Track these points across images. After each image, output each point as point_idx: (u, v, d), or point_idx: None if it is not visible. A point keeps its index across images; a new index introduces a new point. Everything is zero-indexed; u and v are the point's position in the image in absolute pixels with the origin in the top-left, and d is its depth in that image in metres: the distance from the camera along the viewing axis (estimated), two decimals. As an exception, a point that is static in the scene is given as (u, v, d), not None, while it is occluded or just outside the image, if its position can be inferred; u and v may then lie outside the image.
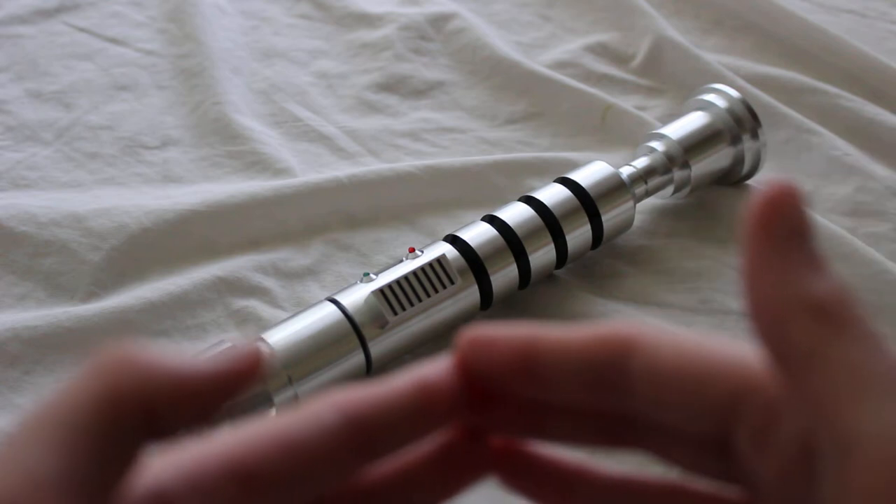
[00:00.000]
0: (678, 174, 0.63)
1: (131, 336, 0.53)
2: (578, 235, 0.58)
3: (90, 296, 0.57)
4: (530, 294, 0.58)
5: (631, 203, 0.60)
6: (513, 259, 0.55)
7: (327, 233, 0.63)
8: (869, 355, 0.22)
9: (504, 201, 0.59)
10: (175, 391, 0.22)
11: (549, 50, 0.83)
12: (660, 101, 0.78)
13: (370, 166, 0.67)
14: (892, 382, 0.21)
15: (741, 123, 0.64)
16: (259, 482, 0.23)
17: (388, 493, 0.26)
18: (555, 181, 0.59)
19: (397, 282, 0.52)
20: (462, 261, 0.54)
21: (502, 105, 0.76)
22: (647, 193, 0.63)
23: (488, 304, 0.55)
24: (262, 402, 0.47)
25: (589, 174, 0.59)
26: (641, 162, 0.62)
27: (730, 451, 0.24)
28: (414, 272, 0.52)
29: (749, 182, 0.67)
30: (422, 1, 0.87)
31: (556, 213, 0.57)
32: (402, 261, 0.53)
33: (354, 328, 0.50)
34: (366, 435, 0.24)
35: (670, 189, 0.63)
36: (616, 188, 0.59)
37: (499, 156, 0.69)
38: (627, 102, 0.76)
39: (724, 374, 0.23)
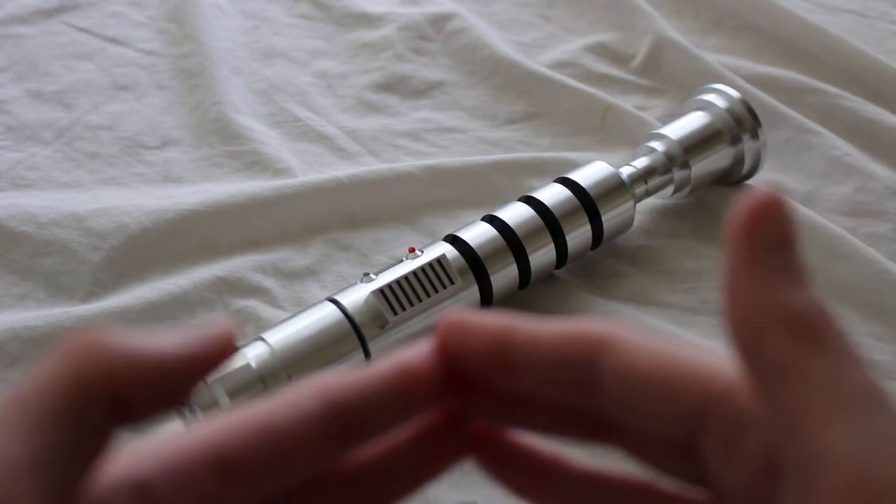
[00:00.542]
0: (678, 174, 0.63)
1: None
2: (578, 235, 0.58)
3: (90, 296, 0.57)
4: (530, 294, 0.58)
5: (631, 203, 0.60)
6: (513, 259, 0.55)
7: (327, 233, 0.63)
8: (843, 373, 0.21)
9: (504, 201, 0.59)
10: (143, 374, 0.22)
11: (549, 50, 0.83)
12: (660, 101, 0.78)
13: (370, 166, 0.67)
14: (864, 402, 0.21)
15: (741, 123, 0.64)
16: (240, 470, 0.23)
17: (365, 477, 0.26)
18: (555, 181, 0.59)
19: (397, 282, 0.52)
20: (462, 261, 0.54)
21: (502, 105, 0.76)
22: (647, 193, 0.63)
23: (488, 304, 0.55)
24: (262, 402, 0.47)
25: (589, 174, 0.59)
26: (641, 162, 0.62)
27: (697, 456, 0.24)
28: (414, 272, 0.52)
29: (749, 182, 0.67)
30: (422, 1, 0.87)
31: (556, 213, 0.57)
32: (402, 261, 0.53)
33: (354, 328, 0.50)
34: (347, 421, 0.24)
35: (670, 189, 0.63)
36: (616, 188, 0.59)
37: (499, 156, 0.69)
38: (627, 102, 0.76)
39: (694, 382, 0.23)
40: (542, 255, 0.56)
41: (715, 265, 0.62)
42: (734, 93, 0.65)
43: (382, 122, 0.74)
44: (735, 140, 0.64)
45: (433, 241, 0.56)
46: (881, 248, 0.62)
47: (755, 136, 0.64)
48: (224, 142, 0.69)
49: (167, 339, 0.23)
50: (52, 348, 0.22)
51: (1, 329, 0.53)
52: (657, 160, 0.63)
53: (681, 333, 0.56)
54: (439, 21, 0.84)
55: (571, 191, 0.58)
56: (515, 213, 0.56)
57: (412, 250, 0.54)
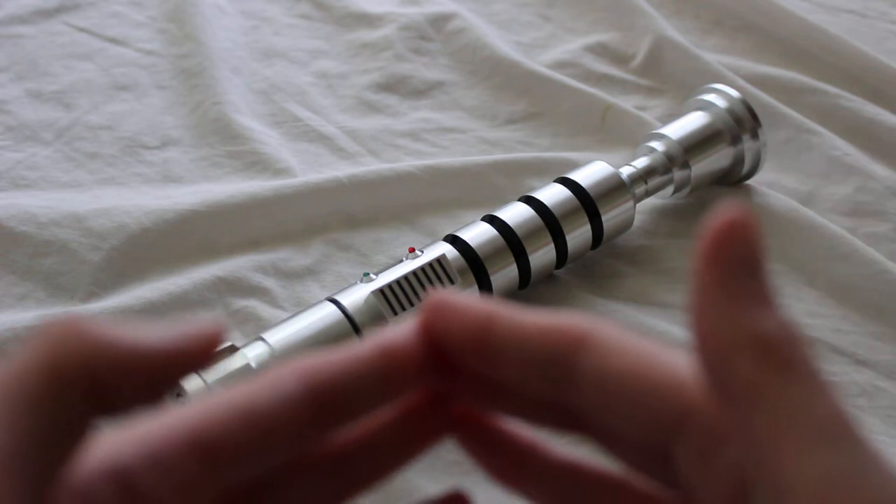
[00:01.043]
0: (678, 174, 0.63)
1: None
2: (578, 235, 0.58)
3: (90, 296, 0.57)
4: (530, 294, 0.58)
5: (631, 203, 0.60)
6: (513, 259, 0.55)
7: (327, 233, 0.63)
8: (811, 399, 0.21)
9: (504, 201, 0.59)
10: (122, 365, 0.22)
11: (549, 50, 0.83)
12: (660, 101, 0.78)
13: (370, 166, 0.67)
14: (832, 431, 0.21)
15: (741, 123, 0.64)
16: (221, 455, 0.22)
17: (348, 457, 0.25)
18: (555, 181, 0.59)
19: (397, 282, 0.52)
20: (462, 261, 0.54)
21: (502, 105, 0.76)
22: (647, 193, 0.63)
23: (488, 304, 0.55)
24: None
25: (589, 174, 0.59)
26: (641, 162, 0.62)
27: (672, 462, 0.23)
28: (414, 272, 0.52)
29: (749, 182, 0.67)
30: (422, 1, 0.87)
31: (556, 213, 0.57)
32: (402, 261, 0.53)
33: (354, 328, 0.50)
34: (328, 403, 0.23)
35: (670, 189, 0.63)
36: (616, 188, 0.59)
37: (499, 156, 0.69)
38: (627, 102, 0.76)
39: (671, 392, 0.23)
40: (542, 255, 0.56)
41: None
42: (734, 93, 0.65)
43: (382, 122, 0.74)
44: (735, 140, 0.64)
45: (433, 241, 0.56)
46: (881, 248, 0.62)
47: (755, 136, 0.64)
48: (224, 142, 0.69)
49: (149, 332, 0.23)
50: (30, 337, 0.22)
51: (1, 329, 0.53)
52: (657, 160, 0.63)
53: (681, 334, 0.56)
54: (439, 21, 0.84)
55: (571, 191, 0.58)
56: (515, 213, 0.56)
57: (412, 250, 0.54)
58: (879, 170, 0.69)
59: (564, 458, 0.26)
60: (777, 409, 0.21)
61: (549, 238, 0.56)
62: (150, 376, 0.22)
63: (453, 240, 0.55)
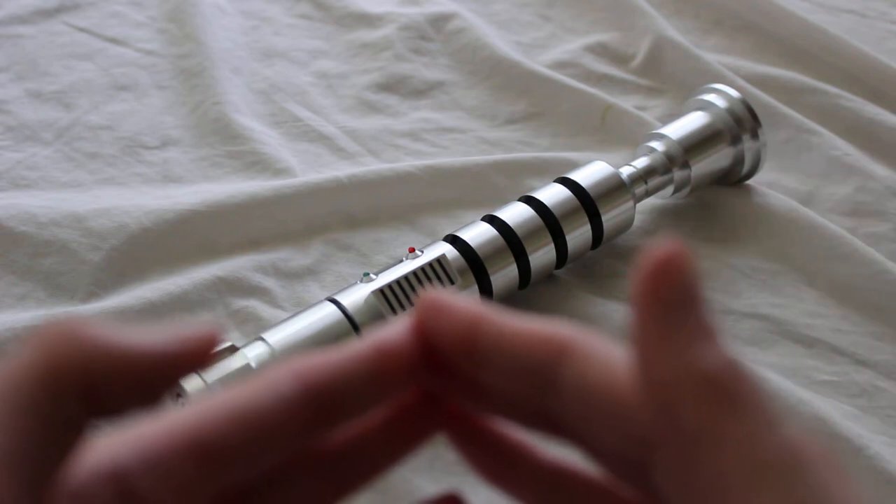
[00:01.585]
0: (678, 174, 0.63)
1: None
2: (578, 235, 0.58)
3: (90, 296, 0.57)
4: (530, 294, 0.58)
5: (631, 203, 0.60)
6: (513, 259, 0.55)
7: (327, 233, 0.63)
8: (760, 436, 0.21)
9: (504, 201, 0.59)
10: (118, 367, 0.22)
11: (549, 50, 0.83)
12: (660, 101, 0.78)
13: (370, 166, 0.67)
14: (782, 466, 0.20)
15: (741, 123, 0.64)
16: (219, 456, 0.22)
17: (341, 456, 0.25)
18: (555, 181, 0.59)
19: (397, 282, 0.52)
20: (462, 261, 0.54)
21: (502, 105, 0.76)
22: (647, 193, 0.63)
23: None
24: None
25: (589, 174, 0.59)
26: (641, 162, 0.62)
27: (650, 477, 0.23)
28: (414, 272, 0.52)
29: (749, 182, 0.67)
30: (422, 1, 0.87)
31: (556, 213, 0.57)
32: (402, 261, 0.53)
33: (354, 328, 0.50)
34: (324, 403, 0.23)
35: (670, 189, 0.63)
36: (616, 188, 0.59)
37: (499, 156, 0.69)
38: (627, 102, 0.76)
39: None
40: (542, 255, 0.56)
41: (715, 265, 0.62)
42: (734, 93, 0.65)
43: (382, 122, 0.74)
44: (735, 140, 0.64)
45: (433, 241, 0.56)
46: (881, 248, 0.62)
47: (755, 136, 0.64)
48: (224, 142, 0.69)
49: (146, 335, 0.23)
50: (27, 339, 0.22)
51: (1, 329, 0.53)
52: (657, 160, 0.63)
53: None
54: (439, 21, 0.84)
55: (571, 191, 0.58)
56: (515, 213, 0.56)
57: (412, 250, 0.54)
58: (879, 170, 0.69)
59: (552, 461, 0.26)
60: (725, 449, 0.20)
61: (549, 238, 0.56)
62: (146, 378, 0.22)
63: (453, 240, 0.55)
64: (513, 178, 0.67)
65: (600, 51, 0.82)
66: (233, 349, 0.48)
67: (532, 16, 0.88)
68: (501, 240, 0.55)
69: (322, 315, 0.50)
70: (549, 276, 0.59)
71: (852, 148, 0.71)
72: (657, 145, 0.63)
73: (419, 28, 0.83)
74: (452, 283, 0.53)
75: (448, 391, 0.26)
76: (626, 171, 0.61)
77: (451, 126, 0.74)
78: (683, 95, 0.72)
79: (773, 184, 0.68)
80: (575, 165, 0.63)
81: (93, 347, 0.22)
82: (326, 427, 0.24)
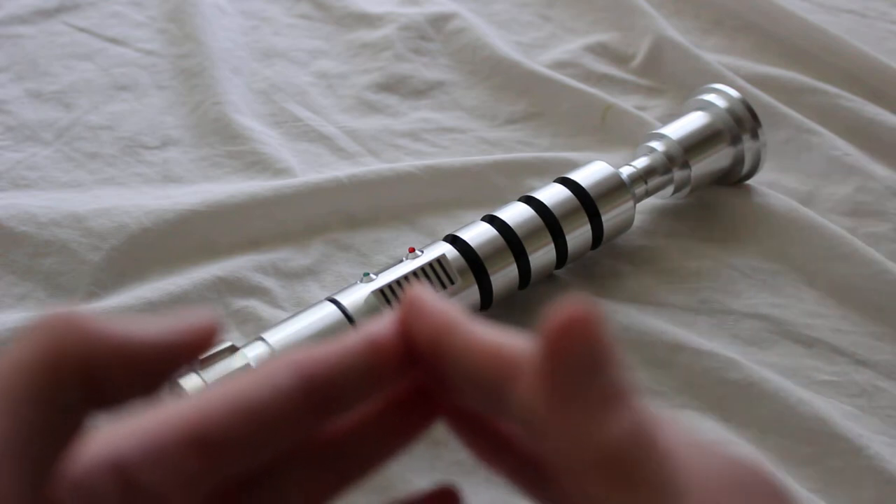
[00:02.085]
0: (678, 174, 0.63)
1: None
2: (578, 235, 0.58)
3: (90, 296, 0.57)
4: (530, 294, 0.58)
5: (631, 203, 0.60)
6: (513, 259, 0.55)
7: (327, 233, 0.63)
8: None
9: (504, 201, 0.59)
10: (118, 358, 0.22)
11: (549, 50, 0.83)
12: (660, 101, 0.78)
13: (370, 166, 0.67)
14: None
15: (741, 123, 0.64)
16: (218, 448, 0.23)
17: (339, 447, 0.26)
18: (555, 181, 0.59)
19: (397, 282, 0.52)
20: (462, 261, 0.54)
21: (502, 105, 0.76)
22: (647, 193, 0.63)
23: (488, 304, 0.55)
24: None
25: (589, 174, 0.59)
26: (641, 162, 0.62)
27: None
28: (414, 272, 0.52)
29: (749, 182, 0.67)
30: (422, 1, 0.87)
31: (556, 213, 0.57)
32: (402, 261, 0.53)
33: (355, 328, 0.50)
34: (321, 394, 0.24)
35: (670, 189, 0.63)
36: (616, 188, 0.59)
37: (499, 156, 0.69)
38: (627, 102, 0.76)
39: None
40: (542, 255, 0.56)
41: (715, 265, 0.62)
42: (734, 93, 0.65)
43: (382, 122, 0.74)
44: (735, 140, 0.64)
45: (433, 241, 0.56)
46: (881, 248, 0.62)
47: (755, 136, 0.64)
48: (224, 142, 0.69)
49: (145, 326, 0.23)
50: (26, 328, 0.22)
51: (1, 329, 0.53)
52: (657, 160, 0.63)
53: (681, 333, 0.56)
54: (439, 21, 0.84)
55: (571, 191, 0.58)
56: (515, 213, 0.56)
57: (412, 250, 0.54)
58: (879, 170, 0.69)
59: (532, 451, 0.26)
60: None
61: (549, 238, 0.56)
62: (145, 368, 0.23)
63: (453, 240, 0.55)
64: (513, 178, 0.67)
65: (600, 51, 0.82)
66: (233, 349, 0.48)
67: (532, 16, 0.88)
68: (501, 240, 0.55)
69: (322, 315, 0.50)
70: (549, 276, 0.59)
71: (852, 148, 0.71)
72: (657, 145, 0.63)
73: (419, 28, 0.83)
74: (452, 282, 0.53)
75: (434, 384, 0.26)
76: (626, 171, 0.61)
77: (451, 126, 0.74)
78: (683, 95, 0.72)
79: (773, 184, 0.68)
80: (575, 165, 0.63)
81: (92, 338, 0.22)
82: (324, 418, 0.24)
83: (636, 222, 0.62)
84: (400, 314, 0.26)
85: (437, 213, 0.65)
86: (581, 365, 0.21)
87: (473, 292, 0.54)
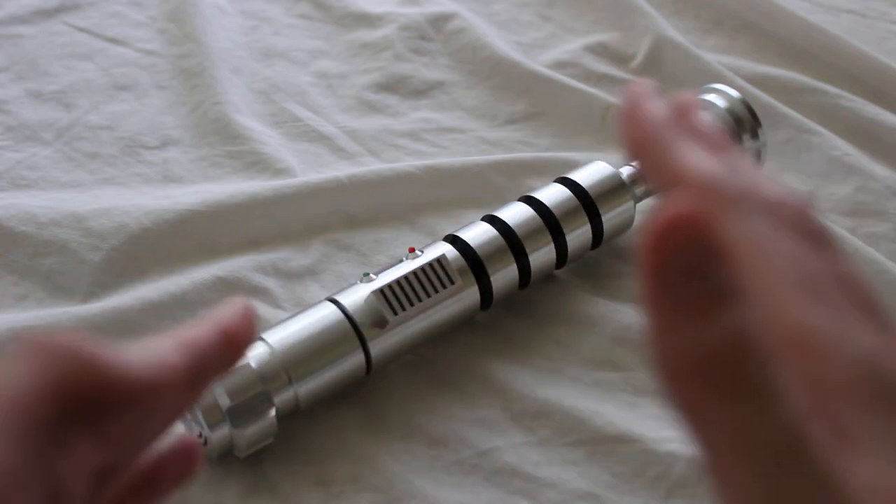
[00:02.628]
0: (678, 174, 0.63)
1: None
2: (578, 235, 0.58)
3: (90, 296, 0.57)
4: (530, 294, 0.58)
5: (631, 203, 0.60)
6: (513, 259, 0.55)
7: (327, 233, 0.63)
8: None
9: (504, 201, 0.59)
10: (118, 391, 0.23)
11: (549, 50, 0.83)
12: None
13: (370, 166, 0.67)
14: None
15: (741, 123, 0.64)
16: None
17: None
18: (555, 181, 0.59)
19: (397, 282, 0.52)
20: (462, 261, 0.54)
21: (502, 105, 0.76)
22: (648, 193, 0.62)
23: (488, 304, 0.55)
24: (263, 401, 0.47)
25: (589, 174, 0.59)
26: (641, 162, 0.62)
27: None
28: (414, 272, 0.52)
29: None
30: (422, 1, 0.87)
31: (556, 213, 0.57)
32: (402, 261, 0.53)
33: (354, 328, 0.50)
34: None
35: (670, 189, 0.63)
36: (616, 188, 0.59)
37: (499, 156, 0.69)
38: (627, 102, 0.75)
39: None
40: (542, 255, 0.56)
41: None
42: (734, 93, 0.65)
43: (382, 122, 0.74)
44: (735, 140, 0.64)
45: (433, 241, 0.56)
46: (881, 248, 0.62)
47: (755, 136, 0.64)
48: (224, 142, 0.69)
49: (148, 354, 0.24)
50: (25, 349, 0.22)
51: (1, 329, 0.53)
52: (657, 160, 0.63)
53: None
54: (439, 21, 0.84)
55: (571, 191, 0.58)
56: (515, 213, 0.56)
57: (412, 250, 0.54)
58: (879, 170, 0.69)
59: None
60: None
61: (549, 238, 0.56)
62: (148, 404, 0.24)
63: (453, 240, 0.55)
64: (513, 178, 0.67)
65: (600, 51, 0.82)
66: (233, 349, 0.48)
67: (532, 16, 0.88)
68: (501, 240, 0.55)
69: (322, 315, 0.50)
70: (549, 276, 0.59)
71: (852, 148, 0.71)
72: (657, 145, 0.63)
73: (419, 28, 0.83)
74: (452, 282, 0.53)
75: None
76: (626, 171, 0.61)
77: (451, 126, 0.74)
78: (683, 95, 0.71)
79: (773, 184, 0.68)
80: (575, 165, 0.63)
81: (97, 369, 0.23)
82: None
83: (636, 222, 0.62)
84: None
85: (437, 213, 0.65)
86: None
87: (473, 292, 0.54)
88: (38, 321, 0.53)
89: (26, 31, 0.80)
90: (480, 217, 0.57)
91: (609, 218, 0.59)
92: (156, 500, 0.27)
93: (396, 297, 0.51)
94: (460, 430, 0.50)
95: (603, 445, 0.50)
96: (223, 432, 0.46)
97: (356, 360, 0.50)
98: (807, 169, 0.70)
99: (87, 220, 0.60)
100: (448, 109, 0.76)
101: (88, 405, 0.22)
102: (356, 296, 0.51)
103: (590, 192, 0.58)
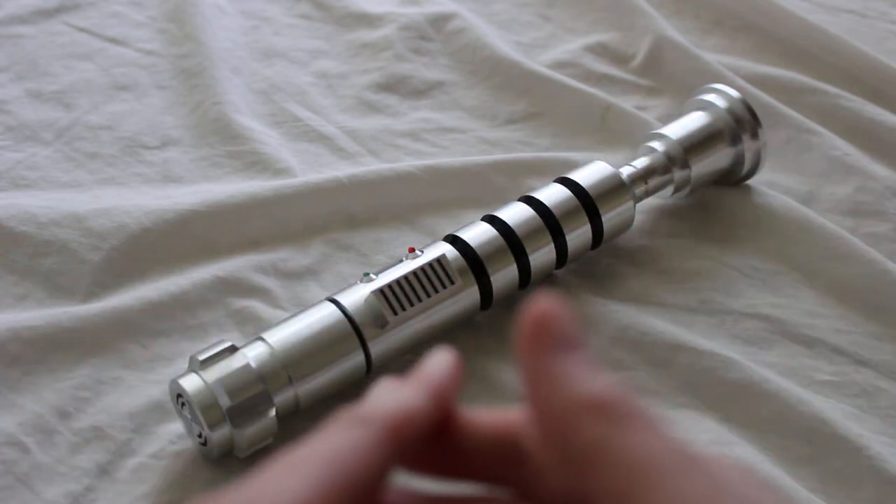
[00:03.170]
0: (678, 174, 0.63)
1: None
2: (578, 235, 0.58)
3: (90, 296, 0.57)
4: (530, 294, 0.58)
5: (631, 203, 0.60)
6: (513, 259, 0.55)
7: (327, 233, 0.63)
8: (650, 442, 0.22)
9: (504, 201, 0.59)
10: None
11: (549, 50, 0.83)
12: (660, 101, 0.78)
13: (370, 166, 0.67)
14: (681, 462, 0.22)
15: (741, 123, 0.64)
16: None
17: None
18: (555, 181, 0.59)
19: (397, 282, 0.52)
20: (462, 261, 0.54)
21: (502, 105, 0.76)
22: (647, 193, 0.63)
23: (488, 304, 0.55)
24: (263, 401, 0.47)
25: (589, 174, 0.59)
26: (641, 162, 0.62)
27: None
28: (414, 272, 0.52)
29: (749, 182, 0.67)
30: (422, 1, 0.87)
31: (556, 213, 0.57)
32: (402, 261, 0.53)
33: (354, 328, 0.50)
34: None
35: (670, 189, 0.63)
36: (616, 188, 0.59)
37: (499, 156, 0.69)
38: (627, 102, 0.76)
39: None
40: (542, 255, 0.56)
41: (715, 265, 0.62)
42: (734, 93, 0.65)
43: (382, 122, 0.74)
44: (735, 140, 0.64)
45: (433, 241, 0.56)
46: (881, 248, 0.62)
47: (755, 136, 0.64)
48: (224, 142, 0.69)
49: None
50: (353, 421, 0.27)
51: (1, 329, 0.53)
52: (657, 160, 0.63)
53: (681, 333, 0.56)
54: (439, 21, 0.84)
55: (571, 191, 0.58)
56: (515, 213, 0.56)
57: (412, 250, 0.54)
58: (879, 170, 0.69)
59: None
60: (619, 458, 0.22)
61: (549, 238, 0.56)
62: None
63: (453, 240, 0.55)
64: (513, 178, 0.67)
65: (600, 51, 0.82)
66: (233, 349, 0.48)
67: (532, 16, 0.88)
68: (501, 240, 0.55)
69: (322, 315, 0.50)
70: (549, 276, 0.59)
71: (852, 148, 0.71)
72: (657, 145, 0.63)
73: (419, 28, 0.83)
74: (452, 282, 0.53)
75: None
76: (626, 171, 0.61)
77: (451, 126, 0.74)
78: (683, 95, 0.71)
79: (773, 184, 0.68)
80: (575, 165, 0.63)
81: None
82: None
83: (636, 222, 0.62)
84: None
85: (437, 213, 0.65)
86: (559, 341, 0.25)
87: (473, 292, 0.54)
88: (38, 321, 0.53)
89: (26, 31, 0.80)
90: (480, 217, 0.57)
91: (609, 218, 0.59)
92: None
93: (396, 297, 0.51)
94: (460, 430, 0.50)
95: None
96: (223, 432, 0.46)
97: (356, 359, 0.50)
98: (807, 169, 0.70)
99: (87, 220, 0.60)
100: (448, 109, 0.76)
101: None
102: (356, 296, 0.51)
103: (590, 192, 0.58)
